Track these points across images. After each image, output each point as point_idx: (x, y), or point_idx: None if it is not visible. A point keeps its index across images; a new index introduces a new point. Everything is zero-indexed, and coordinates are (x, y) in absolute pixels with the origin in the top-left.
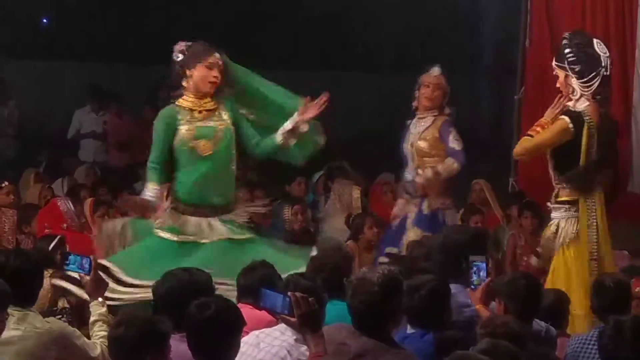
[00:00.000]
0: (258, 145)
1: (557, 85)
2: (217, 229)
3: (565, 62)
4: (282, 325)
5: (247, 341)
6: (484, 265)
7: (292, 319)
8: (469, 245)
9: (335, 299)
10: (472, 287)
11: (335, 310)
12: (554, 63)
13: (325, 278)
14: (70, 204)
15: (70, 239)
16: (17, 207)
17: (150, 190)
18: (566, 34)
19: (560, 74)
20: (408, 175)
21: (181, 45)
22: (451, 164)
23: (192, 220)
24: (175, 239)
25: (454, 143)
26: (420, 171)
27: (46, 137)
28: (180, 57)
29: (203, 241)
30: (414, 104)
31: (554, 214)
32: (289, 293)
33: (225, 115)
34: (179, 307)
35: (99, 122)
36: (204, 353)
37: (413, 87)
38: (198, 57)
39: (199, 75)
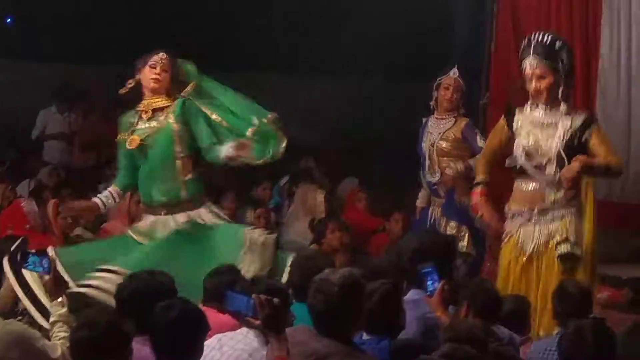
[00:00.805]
0: (208, 151)
1: (541, 86)
2: (168, 227)
3: (560, 62)
4: (245, 329)
5: (210, 344)
6: (434, 269)
7: (257, 321)
8: (441, 250)
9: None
10: (429, 293)
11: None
12: (541, 61)
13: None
14: (34, 205)
15: (33, 240)
16: None
17: (103, 192)
18: (543, 31)
19: (549, 75)
20: (430, 177)
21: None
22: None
23: (149, 218)
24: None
25: (481, 142)
26: (452, 164)
27: (11, 137)
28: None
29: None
30: (432, 104)
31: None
32: (253, 295)
33: (171, 115)
34: (142, 309)
35: (65, 123)
36: (167, 355)
37: (382, 90)
38: (144, 59)
39: (144, 75)
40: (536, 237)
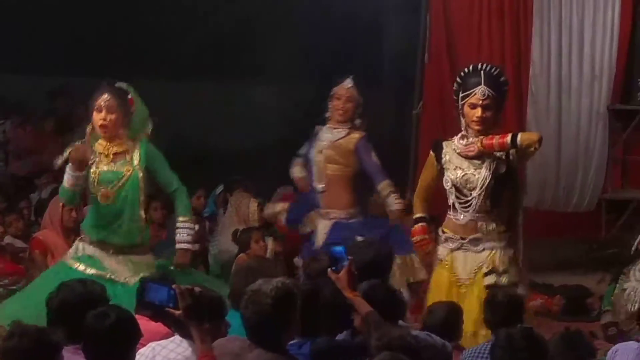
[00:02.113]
0: (174, 198)
1: (485, 116)
2: (122, 268)
3: (503, 96)
4: (178, 337)
5: (143, 353)
6: (343, 250)
7: (177, 312)
8: (376, 260)
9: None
10: (334, 269)
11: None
12: (491, 92)
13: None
14: None
15: None
16: None
17: None
18: (488, 63)
19: (493, 107)
20: (318, 185)
21: None
22: (384, 185)
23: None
24: (91, 271)
25: (375, 159)
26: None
27: None
28: None
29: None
30: (327, 114)
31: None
32: (174, 285)
33: (135, 159)
34: (73, 318)
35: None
36: None
37: (315, 98)
38: (92, 102)
39: (94, 120)
40: (468, 265)
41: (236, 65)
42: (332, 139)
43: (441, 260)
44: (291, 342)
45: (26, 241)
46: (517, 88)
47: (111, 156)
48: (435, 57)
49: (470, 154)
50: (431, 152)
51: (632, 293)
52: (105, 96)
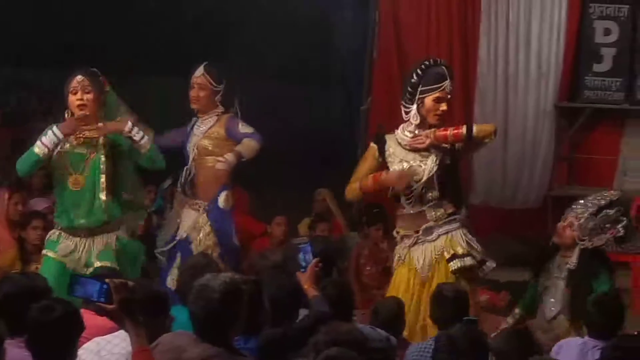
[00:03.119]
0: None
1: (446, 109)
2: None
3: None
4: (123, 332)
5: (88, 348)
6: (309, 247)
7: (109, 306)
8: (320, 256)
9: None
10: (302, 270)
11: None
12: (451, 87)
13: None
14: None
15: None
16: None
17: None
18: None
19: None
20: (184, 174)
21: None
22: (249, 143)
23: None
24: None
25: (244, 129)
26: (221, 158)
27: None
28: None
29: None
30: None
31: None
32: (107, 280)
33: (100, 140)
34: (15, 310)
35: None
36: (46, 356)
37: (267, 94)
38: (66, 85)
39: (70, 102)
40: (427, 256)
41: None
42: (204, 129)
43: (400, 260)
44: (236, 337)
45: None
46: (464, 85)
47: (81, 139)
48: (383, 53)
49: (420, 146)
50: (372, 144)
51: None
52: (79, 77)
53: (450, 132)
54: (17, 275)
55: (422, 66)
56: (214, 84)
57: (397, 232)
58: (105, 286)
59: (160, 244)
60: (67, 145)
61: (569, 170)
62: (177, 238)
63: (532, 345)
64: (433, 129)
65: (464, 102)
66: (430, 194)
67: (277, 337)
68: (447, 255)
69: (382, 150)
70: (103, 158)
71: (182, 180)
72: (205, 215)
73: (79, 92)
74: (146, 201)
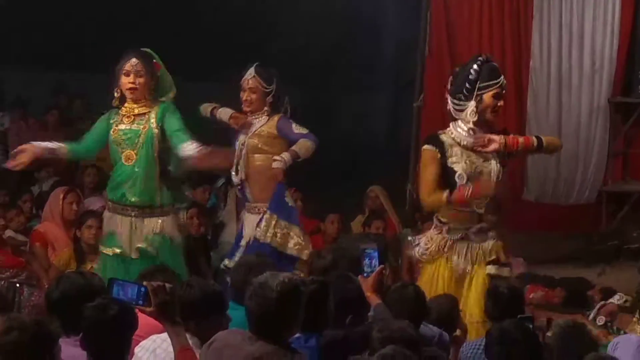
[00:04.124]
0: (173, 136)
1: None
2: (138, 232)
3: None
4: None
5: (144, 346)
6: (376, 253)
7: (148, 309)
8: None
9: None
10: (365, 275)
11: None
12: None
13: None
14: None
15: None
16: None
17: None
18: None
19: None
20: (235, 177)
21: None
22: (305, 143)
23: (117, 219)
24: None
25: (299, 129)
26: (277, 157)
27: None
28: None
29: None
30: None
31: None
32: (145, 282)
33: (152, 119)
34: (72, 310)
35: None
36: (102, 354)
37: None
38: (119, 67)
39: (122, 84)
40: (469, 255)
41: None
42: (254, 128)
43: (438, 250)
44: (296, 336)
45: (27, 235)
46: (517, 82)
47: (132, 117)
48: (436, 50)
49: (488, 150)
50: (431, 147)
51: None
52: (133, 60)
53: (521, 141)
54: (72, 274)
55: (479, 62)
56: (265, 85)
57: (442, 222)
58: (143, 289)
59: (222, 250)
60: (122, 124)
61: (623, 165)
62: (242, 244)
63: (588, 341)
64: (503, 137)
65: (517, 100)
66: (491, 198)
67: (338, 339)
68: (489, 258)
69: (442, 152)
70: (156, 132)
71: (238, 181)
72: (272, 215)
73: (131, 75)
74: (201, 198)
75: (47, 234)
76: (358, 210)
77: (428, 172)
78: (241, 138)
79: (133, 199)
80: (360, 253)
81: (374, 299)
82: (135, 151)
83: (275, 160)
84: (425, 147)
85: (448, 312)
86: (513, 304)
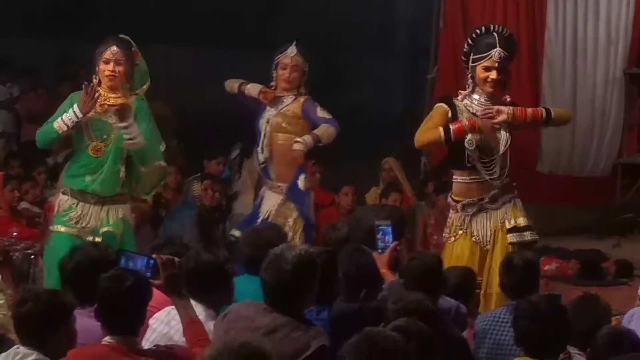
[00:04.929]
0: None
1: (500, 78)
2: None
3: (514, 57)
4: (192, 302)
5: (159, 317)
6: (390, 229)
7: (156, 282)
8: (398, 221)
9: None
10: (379, 251)
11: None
12: (505, 55)
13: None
14: None
15: None
16: None
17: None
18: (500, 25)
19: (506, 68)
20: (261, 155)
21: None
22: (328, 129)
23: (79, 205)
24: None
25: (323, 113)
26: (300, 138)
27: None
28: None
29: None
30: (272, 83)
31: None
32: (154, 255)
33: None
34: (86, 281)
35: (7, 94)
36: (117, 325)
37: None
38: (99, 53)
39: (100, 70)
40: (489, 225)
41: (255, 34)
42: (279, 107)
43: (460, 229)
44: (308, 309)
45: (42, 207)
46: (532, 53)
47: (105, 106)
48: (449, 22)
49: (496, 121)
50: (444, 105)
51: None
52: (114, 48)
53: (529, 112)
54: (86, 246)
55: (473, 35)
56: (305, 64)
57: (456, 201)
58: (152, 261)
59: (235, 221)
60: (93, 112)
61: (638, 137)
62: (260, 218)
63: (602, 313)
64: (511, 108)
65: (532, 71)
66: (502, 163)
67: (351, 312)
68: (508, 225)
69: (454, 113)
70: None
71: (262, 159)
72: (290, 203)
73: (111, 63)
74: (215, 170)
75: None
76: (372, 182)
77: (432, 121)
78: (266, 115)
79: (97, 189)
80: (374, 229)
81: (389, 276)
82: (104, 144)
83: (296, 141)
84: (439, 104)
85: (465, 284)
86: (528, 276)
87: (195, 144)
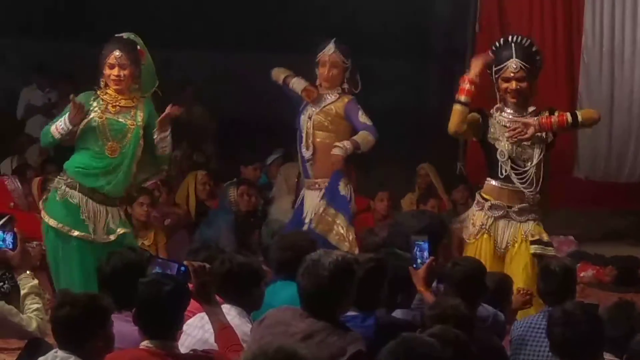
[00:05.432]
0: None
1: (520, 88)
2: (100, 218)
3: (535, 66)
4: (227, 306)
5: (192, 323)
6: (427, 245)
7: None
8: (427, 231)
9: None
10: (415, 266)
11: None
12: (523, 64)
13: (291, 257)
14: (18, 183)
15: (18, 218)
16: None
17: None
18: (519, 35)
19: (526, 78)
20: (304, 152)
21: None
22: (367, 136)
23: (77, 197)
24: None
25: (364, 119)
26: (340, 143)
27: None
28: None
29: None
30: (317, 82)
31: None
32: (185, 262)
33: (139, 117)
34: (124, 285)
35: (46, 100)
36: (155, 329)
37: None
38: (104, 57)
39: (106, 75)
40: (508, 234)
41: (296, 38)
42: (323, 104)
43: (482, 227)
44: (353, 314)
45: None
46: (568, 58)
47: (117, 107)
48: (486, 26)
49: (524, 137)
50: (476, 113)
51: None
52: (117, 52)
53: (554, 120)
54: (124, 250)
55: (493, 47)
56: (345, 60)
57: (484, 199)
58: (183, 268)
59: (271, 227)
60: (108, 113)
61: None
62: (305, 221)
63: (638, 318)
64: (536, 118)
65: (569, 76)
66: (536, 175)
67: (396, 324)
68: (531, 237)
69: (485, 121)
70: (141, 132)
71: (306, 157)
72: (331, 209)
73: (116, 68)
74: (252, 176)
75: None
76: (406, 187)
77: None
78: (308, 111)
79: (111, 190)
80: (411, 244)
81: (426, 294)
82: (120, 145)
83: (336, 146)
84: (475, 114)
85: (502, 290)
86: (565, 283)
87: (232, 150)
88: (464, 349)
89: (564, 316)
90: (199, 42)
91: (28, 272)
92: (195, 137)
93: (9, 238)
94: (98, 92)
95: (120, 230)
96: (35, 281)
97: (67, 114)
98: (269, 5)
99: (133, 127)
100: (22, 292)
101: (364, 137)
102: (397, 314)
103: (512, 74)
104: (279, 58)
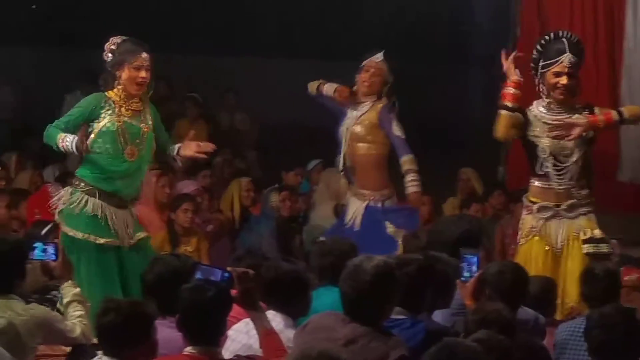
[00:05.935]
0: (164, 145)
1: (571, 84)
2: (121, 222)
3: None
4: (272, 312)
5: (238, 328)
6: (476, 259)
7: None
8: (466, 236)
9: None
10: (463, 279)
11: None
12: (576, 60)
13: (331, 263)
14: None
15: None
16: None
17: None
18: (569, 31)
19: (576, 74)
20: (345, 162)
21: (111, 44)
22: (413, 160)
23: (99, 204)
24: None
25: (397, 130)
26: (415, 184)
27: (33, 123)
28: (110, 57)
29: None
30: (355, 88)
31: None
32: (229, 268)
33: (149, 119)
34: (167, 291)
35: None
36: (198, 335)
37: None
38: (126, 58)
39: (127, 77)
40: (562, 232)
41: (337, 44)
42: (357, 115)
43: (533, 230)
44: (401, 318)
45: None
46: (610, 61)
47: (130, 111)
48: (527, 31)
49: (572, 137)
50: (519, 115)
51: None
52: (145, 54)
53: (601, 118)
54: (167, 257)
55: (542, 41)
56: (389, 73)
57: (532, 202)
58: (227, 275)
59: (313, 228)
60: (123, 117)
61: None
62: (347, 226)
63: None
64: (584, 118)
65: (610, 79)
66: (578, 171)
67: (444, 332)
68: (583, 236)
69: (526, 120)
70: (154, 134)
71: (341, 167)
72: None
73: (142, 70)
74: (293, 181)
75: (140, 216)
76: (447, 191)
77: None
78: (345, 123)
79: (129, 193)
80: (460, 257)
81: (472, 307)
82: (137, 148)
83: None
84: (517, 113)
85: (544, 294)
86: (609, 287)
87: (274, 155)
88: (507, 354)
89: (601, 319)
90: (241, 48)
91: (70, 281)
92: (237, 143)
93: (50, 249)
94: (107, 95)
95: (141, 234)
96: (77, 289)
97: (76, 139)
98: (313, 12)
99: (147, 131)
100: (65, 300)
101: (411, 161)
102: (437, 315)
103: (565, 69)
104: (322, 65)
